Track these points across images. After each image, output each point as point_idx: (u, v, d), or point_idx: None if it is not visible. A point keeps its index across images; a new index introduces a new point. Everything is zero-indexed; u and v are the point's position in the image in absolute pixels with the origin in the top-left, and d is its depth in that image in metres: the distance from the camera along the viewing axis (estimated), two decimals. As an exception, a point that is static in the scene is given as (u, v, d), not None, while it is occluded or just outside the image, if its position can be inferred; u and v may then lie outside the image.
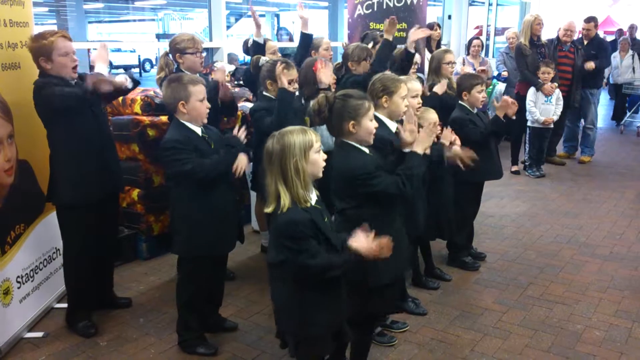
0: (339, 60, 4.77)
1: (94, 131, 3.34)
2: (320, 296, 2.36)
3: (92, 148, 3.32)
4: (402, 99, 3.16)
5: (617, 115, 11.15)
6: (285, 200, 2.26)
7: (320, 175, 2.39)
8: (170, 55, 3.87)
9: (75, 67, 3.27)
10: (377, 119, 3.13)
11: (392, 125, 3.21)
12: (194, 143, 3.00)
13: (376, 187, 2.59)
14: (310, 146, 2.30)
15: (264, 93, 3.55)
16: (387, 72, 3.38)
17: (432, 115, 3.81)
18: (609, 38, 11.54)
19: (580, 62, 7.26)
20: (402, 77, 3.29)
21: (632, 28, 11.26)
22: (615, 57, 10.35)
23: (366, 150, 2.69)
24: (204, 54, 4.06)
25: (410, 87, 3.41)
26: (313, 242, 2.25)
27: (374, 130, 2.69)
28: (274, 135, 2.33)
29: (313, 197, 2.37)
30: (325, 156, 2.39)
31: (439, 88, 4.36)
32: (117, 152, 3.78)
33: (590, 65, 7.32)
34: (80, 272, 3.43)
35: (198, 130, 3.08)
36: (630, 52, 10.41)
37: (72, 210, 3.33)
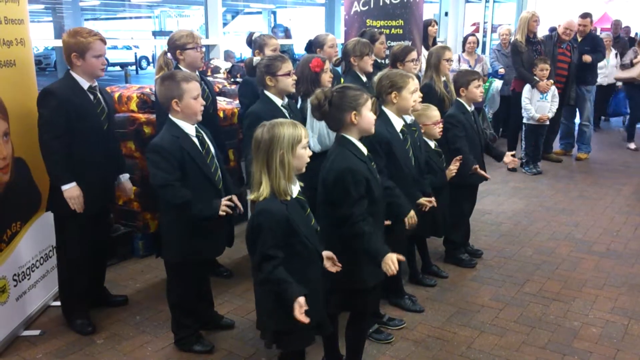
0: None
1: (101, 141, 3.35)
2: None
3: (97, 158, 3.33)
4: (411, 94, 3.20)
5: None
6: (265, 190, 2.29)
7: (304, 170, 2.42)
8: (169, 54, 3.85)
9: (103, 69, 3.31)
10: (383, 115, 3.16)
11: (398, 122, 3.23)
12: (181, 144, 2.94)
13: (343, 207, 2.58)
14: (299, 141, 2.34)
15: (265, 92, 3.53)
16: (394, 69, 3.41)
17: (435, 113, 3.83)
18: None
19: (576, 59, 7.27)
20: (409, 74, 3.32)
21: (617, 25, 10.61)
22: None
23: (364, 150, 2.70)
24: (204, 49, 4.05)
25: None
26: (276, 240, 2.26)
27: (374, 121, 2.71)
28: (264, 125, 2.35)
29: (295, 189, 2.40)
30: (310, 152, 2.42)
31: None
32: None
33: (587, 58, 7.38)
34: (79, 274, 3.45)
35: (191, 130, 3.03)
36: (614, 50, 9.61)
37: (74, 218, 3.33)
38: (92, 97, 3.31)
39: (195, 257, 3.13)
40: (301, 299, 2.25)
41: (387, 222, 2.98)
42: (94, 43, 3.21)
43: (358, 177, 2.58)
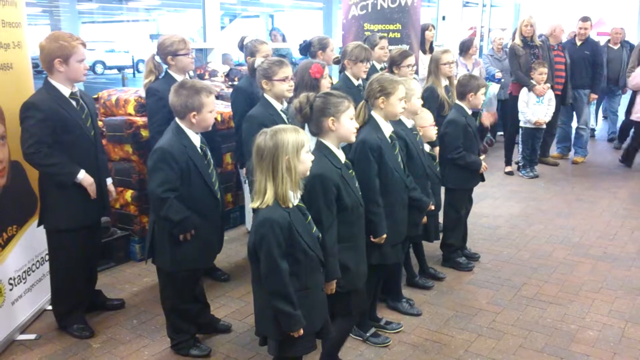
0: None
1: (90, 149, 3.33)
2: (298, 300, 2.36)
3: (89, 167, 3.30)
4: (400, 100, 3.16)
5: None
6: (269, 198, 2.28)
7: (307, 174, 2.42)
8: (158, 58, 3.82)
9: (85, 74, 3.28)
10: (372, 120, 3.14)
11: (387, 128, 3.21)
12: (189, 154, 2.94)
13: (312, 212, 2.54)
14: (302, 145, 2.34)
15: (265, 96, 3.53)
16: (386, 74, 3.38)
17: (428, 115, 3.84)
18: (603, 39, 11.13)
19: (570, 60, 7.29)
20: (400, 79, 3.28)
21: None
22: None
23: (341, 157, 2.69)
24: (194, 54, 4.04)
25: (413, 88, 3.44)
26: (282, 249, 2.28)
27: (355, 130, 2.71)
28: (266, 132, 2.33)
29: (297, 196, 2.39)
30: (312, 157, 2.43)
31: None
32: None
33: (594, 97, 7.80)
34: (74, 282, 3.43)
35: (197, 141, 3.03)
36: None
37: (66, 233, 3.32)
38: (74, 103, 3.27)
39: (189, 267, 3.11)
40: (301, 331, 2.37)
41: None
42: (77, 47, 3.17)
43: (327, 184, 2.57)
